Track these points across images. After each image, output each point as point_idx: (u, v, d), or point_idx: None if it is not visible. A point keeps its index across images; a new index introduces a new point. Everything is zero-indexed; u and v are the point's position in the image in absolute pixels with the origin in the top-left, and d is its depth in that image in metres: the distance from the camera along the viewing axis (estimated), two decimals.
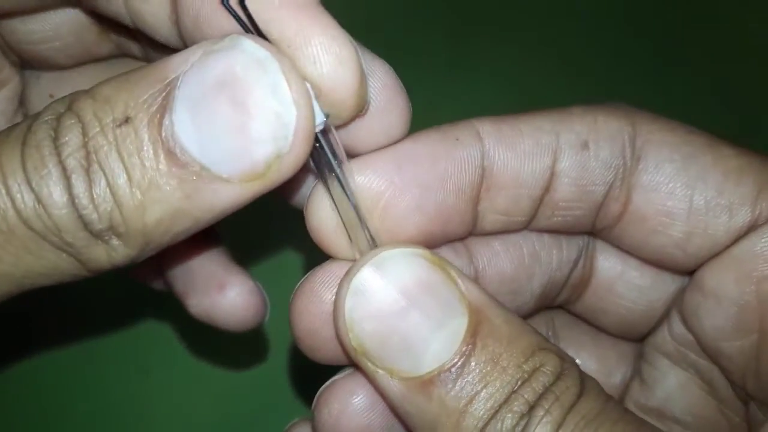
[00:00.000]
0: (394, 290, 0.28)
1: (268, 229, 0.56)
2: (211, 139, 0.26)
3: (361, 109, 0.29)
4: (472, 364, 0.27)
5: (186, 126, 0.26)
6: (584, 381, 0.28)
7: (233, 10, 0.27)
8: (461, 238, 0.34)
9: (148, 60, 0.39)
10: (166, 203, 0.26)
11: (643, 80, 0.66)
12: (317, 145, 0.29)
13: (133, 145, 0.26)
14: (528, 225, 0.34)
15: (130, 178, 0.26)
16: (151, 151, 0.26)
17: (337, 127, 0.30)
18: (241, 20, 0.27)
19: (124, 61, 0.41)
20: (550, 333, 0.39)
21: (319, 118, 0.28)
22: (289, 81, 0.26)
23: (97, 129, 0.26)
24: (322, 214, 0.31)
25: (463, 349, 0.27)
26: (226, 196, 0.27)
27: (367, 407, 0.31)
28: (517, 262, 0.35)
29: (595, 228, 0.35)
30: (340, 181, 0.30)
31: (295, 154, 0.27)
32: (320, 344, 0.32)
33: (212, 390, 0.53)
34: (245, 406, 0.52)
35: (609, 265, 0.36)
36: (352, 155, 0.31)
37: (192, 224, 0.27)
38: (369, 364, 0.28)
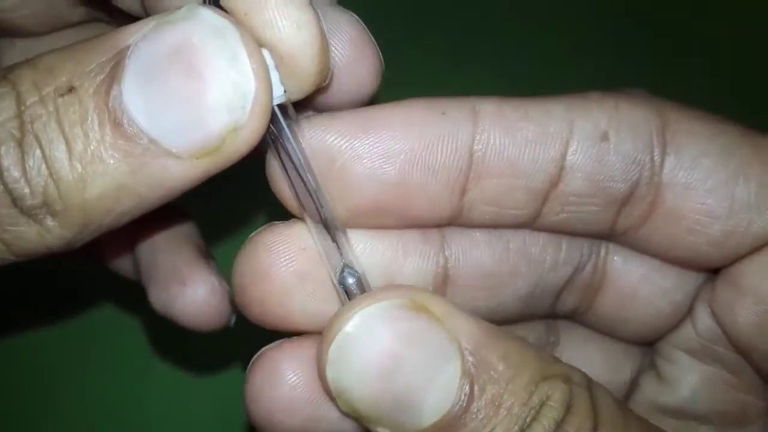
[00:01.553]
0: (375, 353, 0.26)
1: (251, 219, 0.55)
2: (162, 109, 0.25)
3: (324, 78, 0.28)
4: (473, 410, 0.26)
5: (135, 96, 0.25)
6: (597, 404, 0.26)
7: None
8: (438, 226, 0.32)
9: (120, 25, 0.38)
10: (109, 177, 0.25)
11: (648, 81, 0.64)
12: (272, 121, 0.27)
13: (76, 115, 0.24)
14: (531, 223, 0.32)
15: (70, 150, 0.24)
16: (96, 122, 0.25)
17: (301, 101, 0.29)
18: None
19: (98, 26, 0.39)
20: (551, 336, 0.37)
21: (278, 91, 0.27)
22: (248, 50, 0.25)
23: (35, 98, 0.25)
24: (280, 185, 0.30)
25: (461, 396, 0.26)
26: (176, 172, 0.25)
27: (297, 380, 0.29)
28: (499, 256, 0.32)
29: (615, 230, 0.32)
30: (292, 161, 0.28)
31: (252, 127, 0.26)
32: None
33: (174, 392, 0.52)
34: (205, 410, 0.51)
35: (628, 269, 0.34)
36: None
37: (137, 203, 0.26)
38: (367, 424, 0.27)
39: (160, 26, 0.25)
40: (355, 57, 0.30)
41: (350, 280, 0.29)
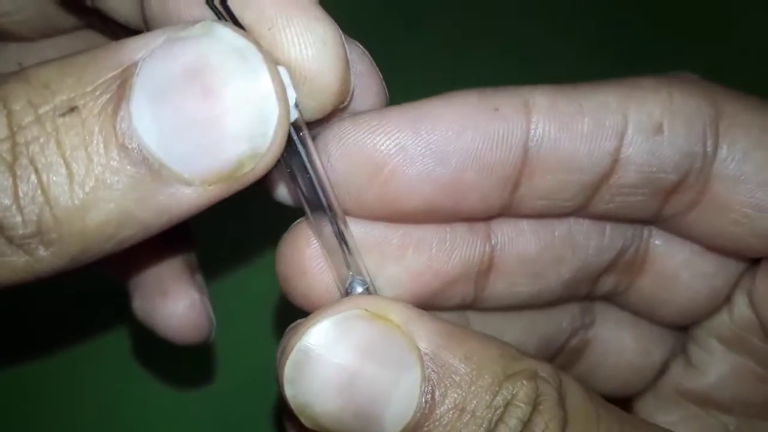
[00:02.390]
0: (331, 368, 0.25)
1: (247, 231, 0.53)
2: (176, 133, 0.23)
3: (345, 98, 0.27)
4: (436, 416, 0.25)
5: (146, 118, 0.23)
6: (567, 399, 0.26)
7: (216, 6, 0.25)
8: (487, 218, 0.31)
9: (114, 35, 0.36)
10: (113, 204, 0.23)
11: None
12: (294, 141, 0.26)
13: (79, 138, 0.23)
14: (578, 212, 0.31)
15: (71, 175, 0.23)
16: (102, 145, 0.23)
17: (318, 121, 0.28)
18: (216, 8, 0.25)
19: (92, 34, 0.38)
20: (586, 318, 0.36)
21: (294, 112, 0.25)
22: (271, 72, 0.24)
23: (31, 118, 0.23)
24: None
25: (422, 404, 0.25)
26: (185, 199, 0.24)
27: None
28: (544, 244, 0.32)
29: (660, 216, 0.31)
30: (306, 179, 0.27)
31: (273, 153, 0.24)
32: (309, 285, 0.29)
33: (157, 406, 0.50)
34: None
35: (670, 252, 0.33)
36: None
37: (139, 230, 0.24)
38: None
39: (171, 42, 0.24)
40: (361, 90, 0.29)
41: (359, 290, 0.28)
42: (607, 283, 0.34)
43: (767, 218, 0.30)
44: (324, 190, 0.27)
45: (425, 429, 0.25)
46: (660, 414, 0.36)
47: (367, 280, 0.29)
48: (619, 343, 0.36)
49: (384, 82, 0.30)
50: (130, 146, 0.23)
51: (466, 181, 0.28)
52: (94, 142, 0.23)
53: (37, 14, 0.35)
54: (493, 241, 0.32)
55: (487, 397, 0.25)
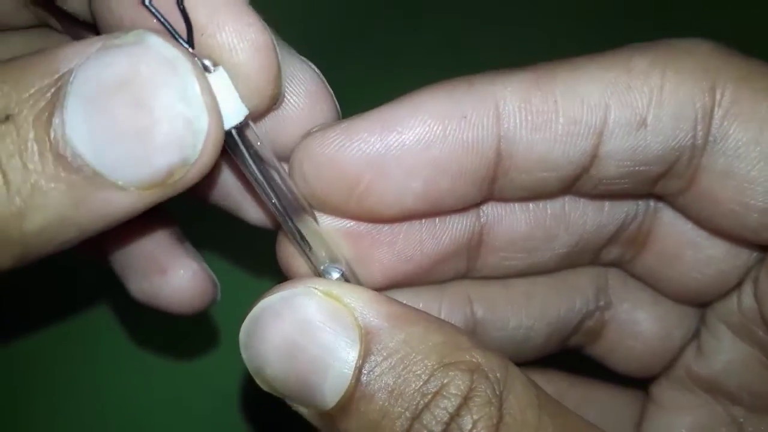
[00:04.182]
0: (276, 337, 0.26)
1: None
2: (108, 142, 0.23)
3: (275, 102, 0.28)
4: (368, 394, 0.25)
5: (79, 126, 0.23)
6: (506, 398, 0.25)
7: (153, 7, 0.25)
8: (472, 207, 0.31)
9: (70, 33, 0.36)
10: (50, 210, 0.24)
11: None
12: (238, 143, 0.27)
13: (14, 146, 0.23)
14: (564, 195, 0.31)
15: (7, 183, 0.23)
16: (37, 153, 0.23)
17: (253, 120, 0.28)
18: (150, 9, 0.25)
19: (45, 31, 0.37)
20: (600, 292, 0.36)
21: (242, 113, 0.26)
22: (201, 84, 0.24)
23: None
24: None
25: (354, 381, 0.25)
26: (120, 204, 0.24)
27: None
28: (536, 222, 0.31)
29: (655, 194, 0.30)
30: (263, 182, 0.28)
31: (203, 162, 0.25)
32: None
33: (161, 380, 0.51)
34: (196, 397, 0.50)
35: (676, 230, 0.32)
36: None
37: (77, 233, 0.25)
38: (287, 401, 0.27)
39: (104, 50, 0.24)
40: (311, 110, 0.29)
41: (335, 276, 0.29)
42: (611, 253, 0.33)
43: (755, 215, 0.28)
44: (274, 190, 0.28)
45: (356, 405, 0.26)
46: (672, 399, 0.35)
47: (343, 267, 0.29)
48: (636, 326, 0.35)
49: (335, 101, 0.30)
50: (64, 153, 0.23)
51: (441, 188, 0.28)
52: (29, 149, 0.23)
53: None
54: (482, 220, 0.31)
55: (416, 383, 0.25)
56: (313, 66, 0.30)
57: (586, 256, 0.33)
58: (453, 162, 0.27)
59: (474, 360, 0.25)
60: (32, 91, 0.23)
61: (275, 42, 0.26)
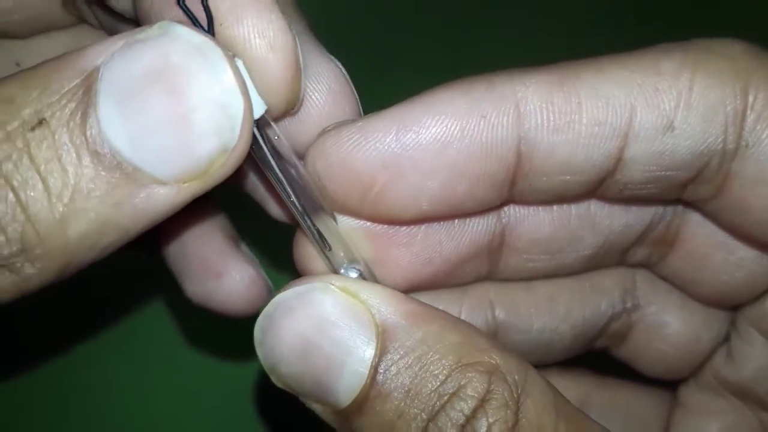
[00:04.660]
0: (290, 335, 0.26)
1: None
2: (145, 135, 0.23)
3: (292, 105, 0.27)
4: (384, 393, 0.25)
5: (114, 123, 0.23)
6: (524, 402, 0.25)
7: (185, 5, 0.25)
8: (492, 209, 0.30)
9: (111, 30, 0.36)
10: (93, 213, 0.23)
11: None
12: (258, 139, 0.26)
13: (52, 150, 0.23)
14: (586, 199, 0.30)
15: (47, 189, 0.23)
16: (74, 155, 0.23)
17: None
18: (182, 6, 0.25)
19: (87, 29, 0.37)
20: (626, 293, 0.35)
21: (260, 108, 0.26)
22: (232, 68, 0.24)
23: (0, 136, 0.23)
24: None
25: (370, 380, 0.25)
26: (162, 200, 0.24)
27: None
28: (560, 224, 0.30)
29: (682, 200, 0.29)
30: (282, 180, 0.27)
31: (241, 147, 0.24)
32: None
33: (177, 376, 0.51)
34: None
35: (705, 231, 0.31)
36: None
37: (120, 236, 0.24)
38: (301, 398, 0.27)
39: (131, 45, 0.23)
40: (332, 110, 0.29)
41: (353, 276, 0.29)
42: (638, 254, 0.33)
43: None
44: (293, 188, 0.27)
45: (372, 404, 0.25)
46: (701, 403, 0.34)
47: (362, 268, 0.29)
48: (664, 328, 0.34)
49: (358, 102, 0.29)
50: (102, 152, 0.23)
51: (459, 191, 0.27)
52: (67, 152, 0.23)
53: (36, 13, 0.35)
54: (504, 220, 0.30)
55: (433, 383, 0.25)
56: (340, 65, 0.29)
57: (612, 258, 0.32)
58: (471, 164, 0.27)
59: (492, 361, 0.25)
60: (62, 93, 0.23)
61: (297, 43, 0.26)
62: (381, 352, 0.25)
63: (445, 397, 0.25)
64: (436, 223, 0.29)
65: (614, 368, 0.37)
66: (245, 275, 0.37)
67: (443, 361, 0.25)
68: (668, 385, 0.36)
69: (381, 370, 0.25)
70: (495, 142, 0.26)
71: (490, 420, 0.24)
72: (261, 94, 0.26)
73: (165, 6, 0.26)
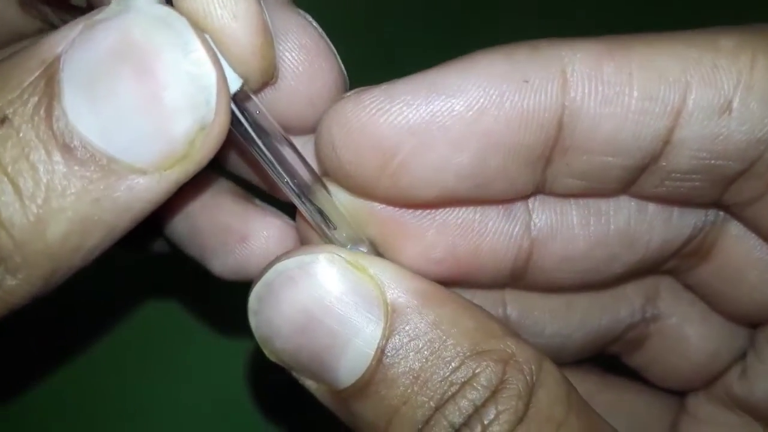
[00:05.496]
0: (290, 307, 0.24)
1: None
2: (117, 122, 0.22)
3: (269, 75, 0.25)
4: (390, 378, 0.24)
5: (82, 112, 0.22)
6: (535, 393, 0.24)
7: None
8: (519, 199, 0.27)
9: None
10: (71, 212, 0.22)
11: None
12: (239, 116, 0.25)
13: (18, 148, 0.21)
14: (622, 192, 0.27)
15: (18, 190, 0.21)
16: (43, 151, 0.22)
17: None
18: None
19: None
20: (648, 302, 0.33)
21: (236, 82, 0.24)
22: (200, 37, 0.22)
23: None
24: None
25: (375, 362, 0.24)
26: (144, 190, 0.23)
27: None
28: (596, 240, 0.28)
29: (722, 203, 0.27)
30: (271, 159, 0.25)
31: (220, 121, 0.23)
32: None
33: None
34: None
35: (743, 245, 0.29)
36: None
37: (106, 233, 0.23)
38: (294, 374, 0.26)
39: (91, 27, 0.22)
40: (308, 68, 0.27)
41: None
42: (669, 263, 0.30)
43: None
44: (285, 167, 0.25)
45: (376, 388, 0.24)
46: (709, 414, 0.33)
47: (366, 248, 0.27)
48: (683, 342, 0.33)
49: (338, 58, 0.28)
50: (72, 145, 0.22)
51: (490, 166, 0.25)
52: (34, 149, 0.21)
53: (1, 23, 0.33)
54: (533, 233, 0.28)
55: (445, 370, 0.24)
56: (311, 18, 0.28)
57: (642, 272, 0.30)
58: (508, 134, 0.24)
59: (508, 350, 0.24)
60: (23, 86, 0.22)
61: (262, 6, 0.24)
62: (389, 333, 0.24)
63: (457, 386, 0.24)
64: (453, 219, 0.27)
65: (620, 366, 0.35)
66: (273, 229, 0.33)
67: (457, 347, 0.24)
68: (676, 391, 0.34)
69: (388, 353, 0.24)
70: (537, 109, 0.24)
71: (499, 408, 0.23)
72: (233, 66, 0.24)
73: None
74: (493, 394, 0.23)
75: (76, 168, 0.22)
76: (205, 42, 0.22)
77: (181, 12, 0.23)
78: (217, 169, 0.33)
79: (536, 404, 0.24)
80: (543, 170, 0.26)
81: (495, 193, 0.26)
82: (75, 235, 0.22)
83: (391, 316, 0.24)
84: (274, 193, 0.32)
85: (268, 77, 0.25)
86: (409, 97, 0.24)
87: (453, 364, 0.24)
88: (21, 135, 0.21)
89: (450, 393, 0.23)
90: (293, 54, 0.27)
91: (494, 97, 0.24)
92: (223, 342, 0.50)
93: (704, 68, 0.24)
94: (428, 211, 0.27)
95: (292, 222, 0.33)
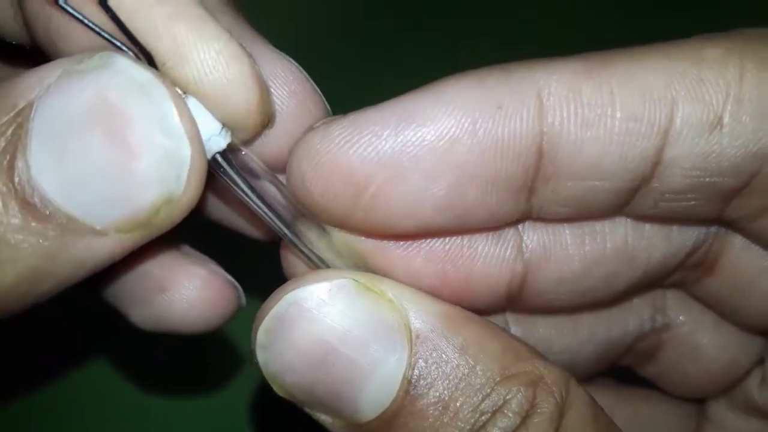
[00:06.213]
0: (306, 340, 0.23)
1: None
2: (81, 183, 0.21)
3: (265, 124, 0.25)
4: (417, 409, 0.23)
5: (46, 168, 0.21)
6: (565, 416, 0.23)
7: (89, 21, 0.22)
8: (507, 225, 0.26)
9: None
10: (23, 264, 0.21)
11: None
12: (224, 167, 0.25)
13: None
14: (616, 215, 0.26)
15: None
16: (0, 203, 0.21)
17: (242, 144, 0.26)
18: (135, 46, 0.22)
19: None
20: (656, 312, 0.31)
21: (224, 138, 0.24)
22: (179, 110, 0.22)
23: None
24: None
25: (402, 393, 0.23)
26: (100, 250, 0.22)
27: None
28: (593, 259, 0.27)
29: (723, 219, 0.26)
30: (261, 206, 0.25)
31: (189, 196, 0.23)
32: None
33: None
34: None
35: (750, 255, 0.27)
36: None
37: (56, 284, 0.23)
38: (306, 409, 0.24)
39: (68, 77, 0.21)
40: (297, 113, 0.27)
41: None
42: (672, 278, 0.29)
43: None
44: (275, 212, 0.25)
45: (403, 420, 0.23)
46: (731, 421, 0.32)
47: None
48: (698, 350, 0.31)
49: (324, 100, 0.27)
50: (32, 201, 0.21)
51: (468, 198, 0.24)
52: None
53: None
54: (526, 255, 0.26)
55: (476, 398, 0.23)
56: (294, 62, 0.27)
57: (645, 288, 0.29)
58: (483, 164, 0.23)
59: (536, 371, 0.23)
60: None
61: (254, 64, 0.23)
62: (413, 361, 0.23)
63: (488, 415, 0.23)
64: (439, 246, 0.26)
65: (633, 376, 0.34)
66: (196, 280, 0.31)
67: (487, 373, 0.23)
68: (695, 399, 0.33)
69: (415, 382, 0.23)
70: (512, 137, 0.23)
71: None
72: (227, 123, 0.24)
73: (65, 30, 0.23)
74: (524, 420, 0.23)
75: (33, 224, 0.21)
76: (184, 114, 0.22)
77: (170, 78, 0.22)
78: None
79: (566, 427, 0.23)
80: (527, 200, 0.24)
81: (477, 224, 0.25)
82: (24, 284, 0.22)
83: (415, 342, 0.23)
84: (257, 230, 0.32)
85: (264, 127, 0.25)
86: (377, 128, 0.23)
87: (484, 391, 0.23)
88: None
89: (481, 422, 0.23)
90: (284, 101, 0.27)
91: (466, 125, 0.23)
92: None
93: (690, 82, 0.22)
94: (411, 241, 0.25)
95: (218, 270, 0.31)
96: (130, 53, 0.22)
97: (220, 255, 0.34)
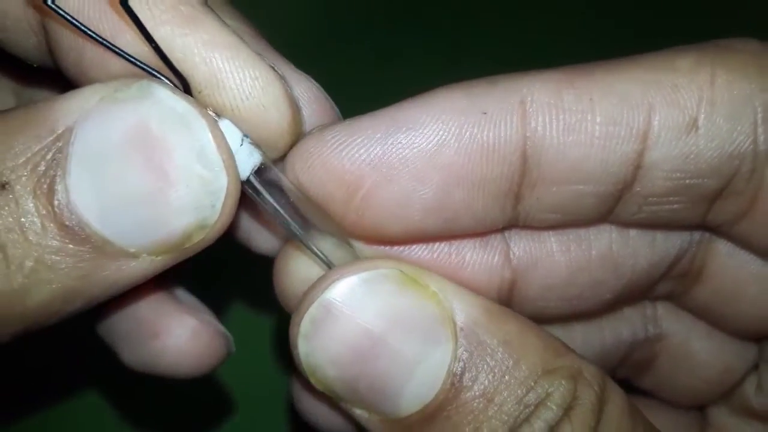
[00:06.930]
0: (352, 332, 0.23)
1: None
2: (118, 208, 0.22)
3: (296, 141, 0.25)
4: (461, 401, 0.23)
5: (85, 192, 0.22)
6: (604, 410, 0.23)
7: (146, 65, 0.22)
8: (493, 232, 0.27)
9: (18, 95, 0.33)
10: (57, 284, 0.22)
11: None
12: (258, 187, 0.25)
13: (13, 218, 0.21)
14: (602, 221, 0.27)
15: (6, 258, 0.21)
16: (39, 225, 0.21)
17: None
18: (175, 75, 0.23)
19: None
20: (648, 321, 0.32)
21: (257, 158, 0.24)
22: (216, 140, 0.22)
23: None
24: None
25: (448, 385, 0.23)
26: (132, 271, 0.23)
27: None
28: (578, 266, 0.27)
29: (707, 223, 0.26)
30: (291, 223, 0.25)
31: (223, 222, 0.23)
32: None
33: None
34: None
35: (734, 262, 0.28)
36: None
37: (87, 302, 0.23)
38: (342, 404, 0.25)
39: (108, 104, 0.22)
40: (312, 119, 0.27)
41: None
42: (661, 288, 0.30)
43: None
44: (305, 228, 0.25)
45: (446, 413, 0.23)
46: (732, 426, 0.32)
47: None
48: (692, 359, 0.32)
49: (336, 108, 0.28)
50: (70, 224, 0.21)
51: (455, 200, 0.24)
52: (30, 221, 0.21)
53: None
54: (513, 263, 0.27)
55: (519, 391, 0.23)
56: (315, 82, 0.28)
57: (633, 298, 0.30)
58: (470, 167, 0.24)
59: (575, 365, 0.24)
60: (29, 155, 0.21)
61: (287, 89, 0.24)
62: (457, 354, 0.23)
63: (531, 407, 0.23)
64: (426, 254, 0.26)
65: (633, 390, 0.34)
66: (186, 329, 0.31)
67: (530, 366, 0.23)
68: (695, 406, 0.34)
69: (460, 375, 0.23)
70: (497, 141, 0.24)
71: (574, 426, 0.23)
72: (260, 145, 0.24)
73: (97, 61, 0.23)
74: (566, 412, 0.23)
75: (71, 246, 0.22)
76: (222, 145, 0.22)
77: (209, 104, 0.23)
78: None
79: (606, 419, 0.23)
80: (513, 207, 0.25)
81: (464, 229, 0.25)
82: (56, 303, 0.22)
83: (459, 335, 0.23)
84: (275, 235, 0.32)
85: (295, 143, 0.26)
86: (369, 131, 0.24)
87: (528, 383, 0.23)
88: (19, 204, 0.21)
89: (525, 414, 0.23)
90: (307, 121, 0.27)
91: (453, 129, 0.24)
92: None
93: (665, 89, 0.23)
94: (402, 247, 0.26)
95: (210, 319, 0.32)
96: (167, 81, 0.22)
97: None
